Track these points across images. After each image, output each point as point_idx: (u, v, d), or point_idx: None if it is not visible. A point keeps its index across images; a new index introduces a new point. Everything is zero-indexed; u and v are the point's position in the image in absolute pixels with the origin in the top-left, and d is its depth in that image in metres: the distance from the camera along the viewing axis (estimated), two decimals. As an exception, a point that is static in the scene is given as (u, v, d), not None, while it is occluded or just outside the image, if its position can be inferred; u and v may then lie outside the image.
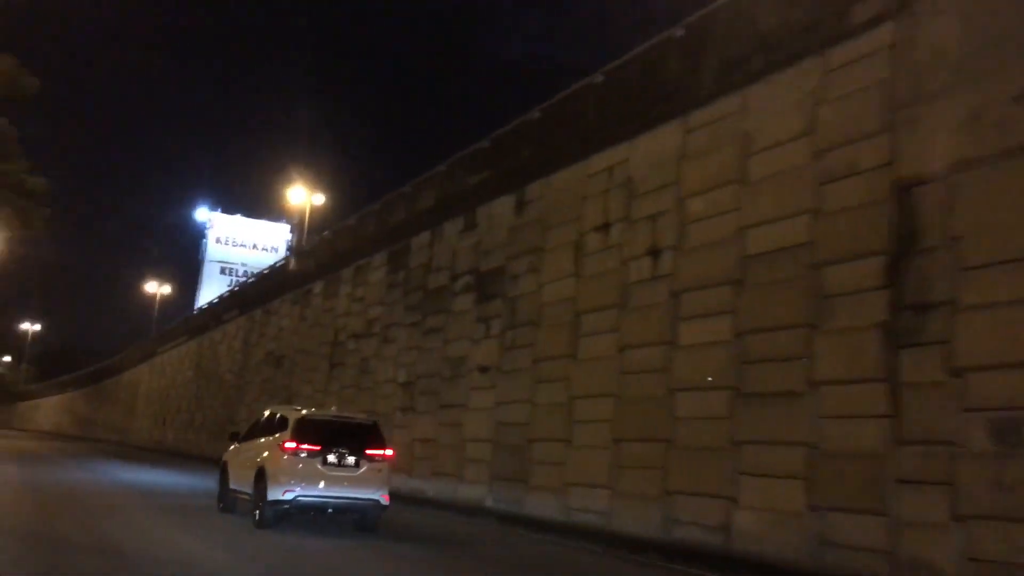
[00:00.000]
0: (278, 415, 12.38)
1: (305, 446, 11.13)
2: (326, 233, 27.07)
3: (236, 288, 38.24)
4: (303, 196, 35.06)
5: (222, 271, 73.22)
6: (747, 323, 10.77)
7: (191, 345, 42.05)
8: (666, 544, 11.06)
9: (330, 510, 11.44)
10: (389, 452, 11.80)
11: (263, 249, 73.79)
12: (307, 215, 35.61)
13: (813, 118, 10.38)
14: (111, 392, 61.23)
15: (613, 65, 14.34)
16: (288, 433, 11.37)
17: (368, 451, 11.42)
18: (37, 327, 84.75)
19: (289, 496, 10.95)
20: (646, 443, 12.05)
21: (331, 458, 11.16)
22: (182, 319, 49.23)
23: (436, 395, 18.02)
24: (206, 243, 78.10)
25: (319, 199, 35.93)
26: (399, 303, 20.60)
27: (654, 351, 12.21)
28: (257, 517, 11.29)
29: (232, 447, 13.56)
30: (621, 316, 13.06)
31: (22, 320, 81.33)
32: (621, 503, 12.30)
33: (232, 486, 12.84)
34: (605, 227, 13.79)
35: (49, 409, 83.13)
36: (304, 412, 12.08)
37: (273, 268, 33.63)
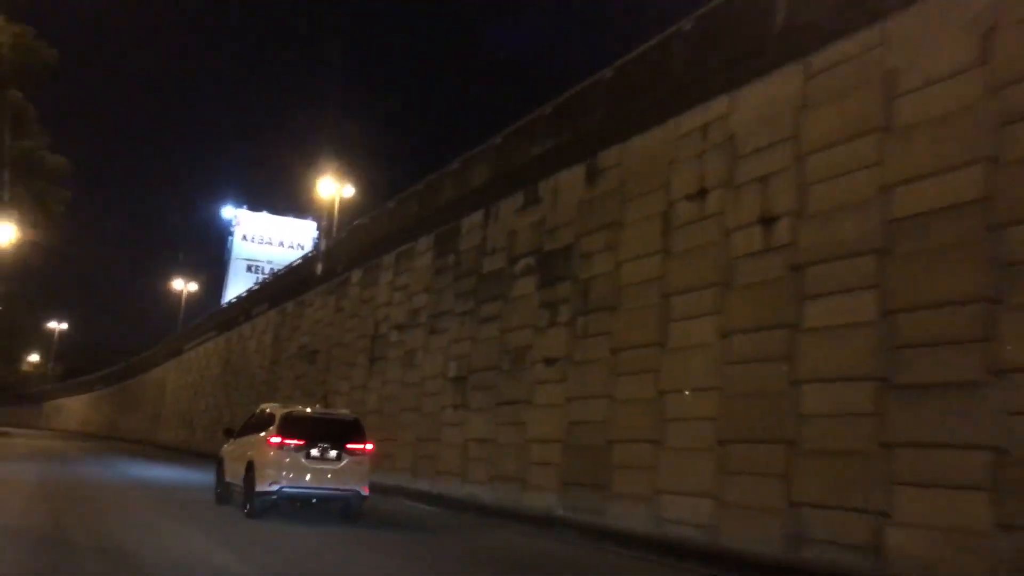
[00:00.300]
0: (267, 412, 13.04)
1: (290, 441, 11.77)
2: (363, 219, 25.37)
3: (267, 280, 36.72)
4: (333, 188, 33.49)
5: (248, 269, 72.19)
6: (899, 299, 8.86)
7: (219, 341, 40.62)
8: (794, 565, 9.19)
9: (314, 500, 12.20)
10: (369, 446, 12.40)
11: (289, 247, 72.65)
12: (336, 207, 34.00)
13: (987, 46, 8.46)
14: (137, 390, 60.20)
15: (705, 9, 12.46)
16: (274, 429, 12.00)
17: (349, 446, 12.03)
18: (64, 326, 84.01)
19: (275, 487, 11.58)
20: (762, 445, 10.18)
21: (314, 452, 11.80)
22: (208, 314, 47.95)
23: (493, 390, 16.23)
24: (232, 241, 77.28)
25: (349, 191, 34.36)
26: (448, 289, 18.84)
27: (769, 336, 10.33)
28: (247, 507, 11.94)
29: (228, 443, 14.00)
30: (723, 296, 11.18)
31: (49, 319, 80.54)
32: (730, 515, 10.43)
33: (227, 479, 13.43)
34: (700, 194, 11.91)
35: (75, 408, 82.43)
36: (290, 409, 12.80)
37: (305, 258, 31.99)
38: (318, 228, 58.17)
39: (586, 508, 12.90)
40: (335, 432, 12.20)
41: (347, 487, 11.91)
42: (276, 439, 11.80)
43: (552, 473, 14.01)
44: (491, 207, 17.56)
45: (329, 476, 11.85)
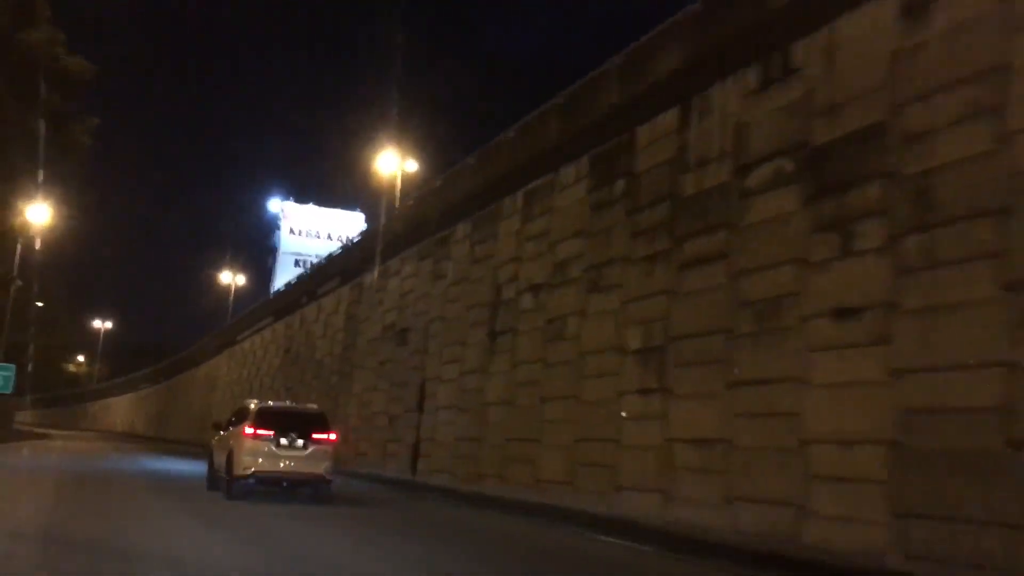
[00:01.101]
0: (246, 407, 14.41)
1: (262, 431, 13.21)
2: (468, 159, 19.93)
3: (338, 252, 31.56)
4: (394, 164, 28.48)
5: (296, 263, 68.81)
6: None
7: (278, 327, 35.63)
8: None
9: (284, 483, 13.59)
10: (333, 436, 13.81)
11: (338, 239, 68.46)
12: (399, 183, 28.75)
13: None
14: (186, 387, 55.63)
15: None
16: (248, 421, 13.52)
17: (314, 435, 13.40)
18: (108, 324, 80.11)
19: (249, 472, 13.04)
20: None
21: (283, 441, 13.19)
22: (262, 302, 43.12)
23: (720, 364, 10.72)
24: (279, 235, 74.13)
25: (412, 166, 29.45)
26: (618, 229, 13.37)
27: None
28: (227, 490, 13.46)
29: (217, 435, 15.25)
30: None
31: (93, 319, 76.82)
32: None
33: (215, 467, 14.68)
34: None
35: (121, 408, 78.49)
36: (263, 404, 14.46)
37: (388, 217, 26.46)
38: (367, 220, 53.64)
39: (953, 556, 7.37)
40: (302, 423, 13.59)
41: (312, 472, 13.27)
42: (250, 430, 13.23)
43: (868, 495, 8.46)
44: (696, 98, 12.03)
45: (296, 463, 13.22)
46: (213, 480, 14.74)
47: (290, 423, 13.41)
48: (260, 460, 12.98)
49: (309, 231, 70.49)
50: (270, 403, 15.02)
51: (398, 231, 23.53)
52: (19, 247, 26.18)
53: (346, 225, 68.55)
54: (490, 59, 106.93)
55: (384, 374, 22.31)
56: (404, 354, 21.25)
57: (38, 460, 22.33)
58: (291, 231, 70.43)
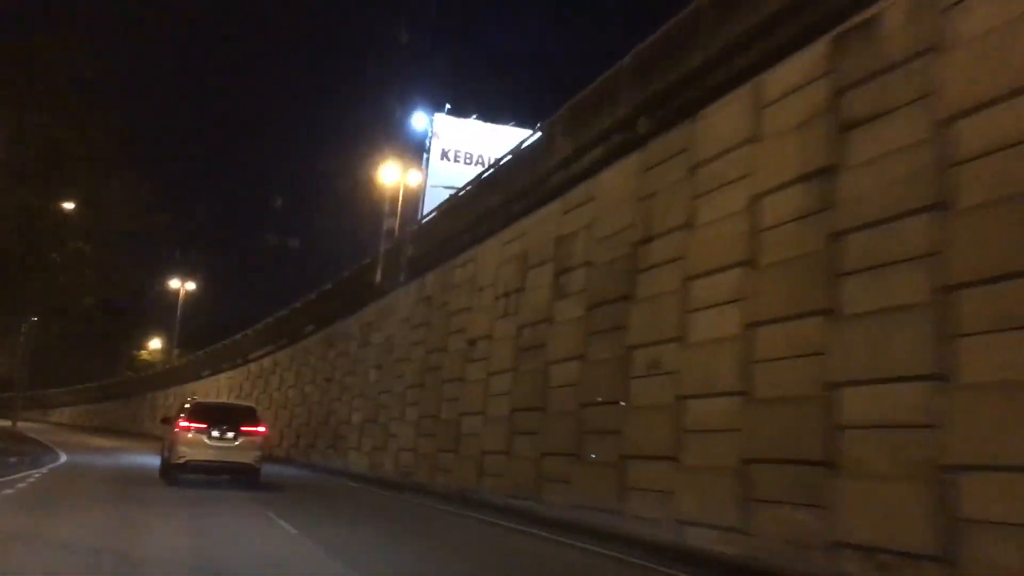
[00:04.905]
0: (185, 403, 16.93)
1: (195, 425, 15.09)
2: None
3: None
4: None
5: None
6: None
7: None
8: None
9: (216, 471, 15.37)
10: (262, 429, 15.81)
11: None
12: None
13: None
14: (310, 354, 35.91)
15: None
16: (185, 415, 15.51)
17: (244, 428, 15.22)
18: (190, 285, 59.81)
19: (183, 461, 14.95)
20: None
21: (215, 433, 14.99)
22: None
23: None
24: (428, 159, 50.51)
25: None
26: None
27: None
28: (167, 477, 15.54)
29: (164, 429, 17.21)
30: None
31: (175, 283, 57.35)
32: None
33: (162, 457, 16.64)
34: None
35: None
36: (198, 400, 17.89)
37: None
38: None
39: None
40: (233, 417, 15.47)
41: (241, 460, 15.15)
42: (184, 423, 15.19)
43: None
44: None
45: (227, 452, 15.03)
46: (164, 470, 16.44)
47: (222, 417, 15.40)
48: (193, 450, 14.91)
49: (468, 155, 49.02)
50: (205, 399, 19.84)
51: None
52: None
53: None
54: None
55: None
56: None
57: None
58: (444, 155, 49.01)
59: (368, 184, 40.45)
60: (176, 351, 56.68)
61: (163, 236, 39.01)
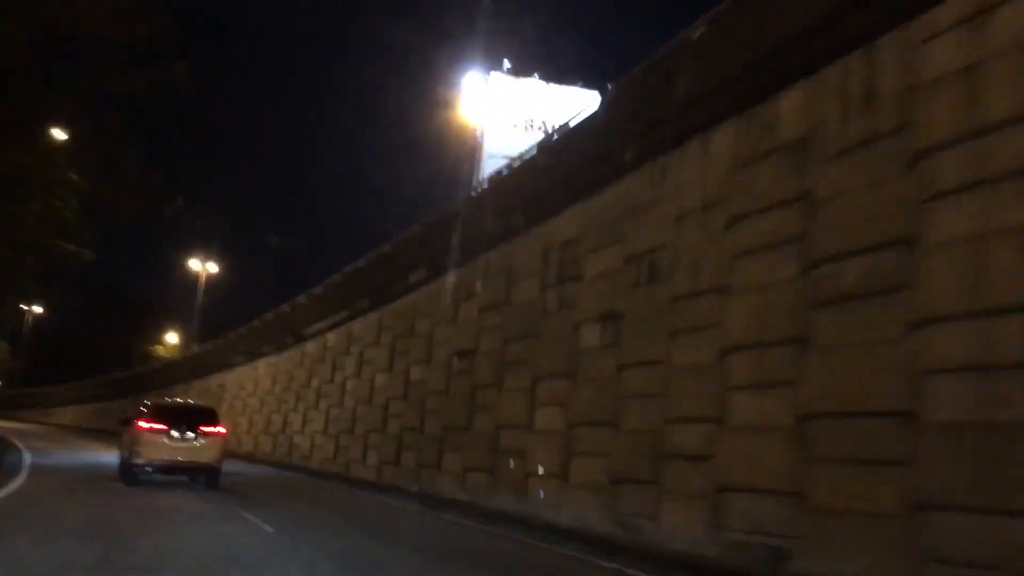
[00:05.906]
0: (145, 404, 17.01)
1: (155, 425, 15.18)
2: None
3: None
4: None
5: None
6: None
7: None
8: None
9: (177, 471, 15.77)
10: (222, 430, 16.13)
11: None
12: None
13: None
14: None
15: None
16: (145, 416, 15.58)
17: (204, 428, 15.50)
18: (212, 266, 53.54)
19: (142, 461, 15.10)
20: None
21: (175, 433, 15.17)
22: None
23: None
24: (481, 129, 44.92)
25: None
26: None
27: None
28: (126, 477, 15.42)
29: (124, 429, 17.04)
30: None
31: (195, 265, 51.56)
32: None
33: (122, 457, 16.55)
34: None
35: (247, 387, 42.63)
36: (157, 401, 17.73)
37: None
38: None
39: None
40: (193, 418, 15.75)
41: (201, 460, 15.48)
42: (145, 424, 15.22)
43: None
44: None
45: (187, 452, 15.25)
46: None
47: (182, 418, 15.61)
48: (153, 450, 15.05)
49: (528, 121, 43.57)
50: (166, 400, 19.46)
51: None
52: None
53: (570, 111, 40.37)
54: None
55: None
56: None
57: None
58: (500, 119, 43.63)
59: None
60: (195, 346, 48.61)
61: (178, 219, 32.12)
